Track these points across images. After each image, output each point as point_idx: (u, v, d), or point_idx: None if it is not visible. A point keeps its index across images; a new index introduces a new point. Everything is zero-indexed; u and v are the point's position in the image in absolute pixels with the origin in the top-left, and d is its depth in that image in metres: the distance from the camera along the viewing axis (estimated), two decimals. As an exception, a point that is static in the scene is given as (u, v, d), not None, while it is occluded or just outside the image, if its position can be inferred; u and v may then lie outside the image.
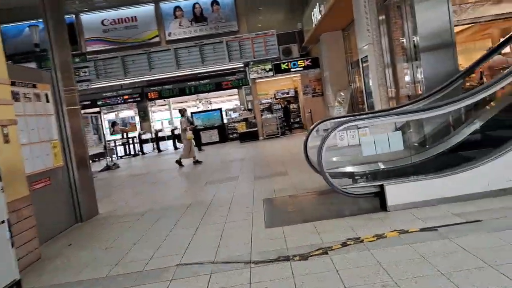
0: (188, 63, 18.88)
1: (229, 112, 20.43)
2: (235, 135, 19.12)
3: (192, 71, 19.36)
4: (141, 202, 7.05)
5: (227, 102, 25.87)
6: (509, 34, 5.87)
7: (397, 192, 4.27)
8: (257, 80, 18.98)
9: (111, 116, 23.62)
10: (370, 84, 9.85)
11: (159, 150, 19.46)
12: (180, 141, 12.32)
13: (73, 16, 20.25)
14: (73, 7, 19.86)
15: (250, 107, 19.38)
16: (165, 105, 26.62)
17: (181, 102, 25.63)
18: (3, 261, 3.28)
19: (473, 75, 7.23)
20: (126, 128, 19.35)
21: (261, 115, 18.72)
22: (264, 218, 4.73)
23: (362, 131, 5.19)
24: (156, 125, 26.03)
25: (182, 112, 12.44)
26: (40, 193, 5.13)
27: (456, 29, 7.76)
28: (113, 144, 18.93)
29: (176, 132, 19.70)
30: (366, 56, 9.53)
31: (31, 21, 16.20)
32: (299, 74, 18.78)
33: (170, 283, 3.27)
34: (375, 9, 9.22)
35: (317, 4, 13.12)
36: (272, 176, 7.70)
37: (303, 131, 19.28)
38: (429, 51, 6.41)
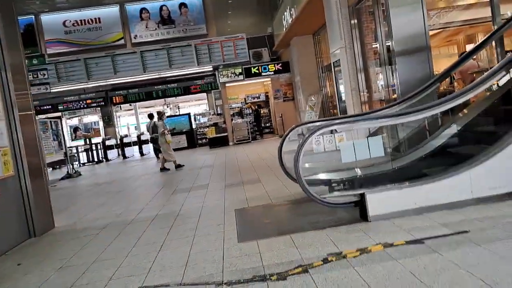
0: (155, 67, 18.32)
1: (198, 117, 19.95)
2: (204, 140, 18.67)
3: (159, 74, 18.79)
4: (103, 214, 6.53)
5: (195, 106, 25.41)
6: (483, 39, 5.77)
7: (378, 201, 4.01)
8: (227, 84, 18.62)
9: (75, 121, 22.65)
10: (342, 88, 9.68)
11: (125, 157, 18.73)
12: (157, 145, 11.80)
13: (33, 16, 19.30)
14: (32, 8, 18.90)
15: (219, 111, 18.99)
16: (131, 109, 25.83)
17: (149, 107, 24.94)
18: None
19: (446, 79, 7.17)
20: (89, 133, 18.51)
21: (231, 119, 18.35)
22: (237, 231, 4.36)
23: (338, 136, 4.96)
24: (122, 131, 25.22)
25: (160, 115, 11.93)
26: (-16, 207, 4.57)
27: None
28: (75, 151, 18.05)
29: (143, 137, 19.04)
30: (339, 60, 9.35)
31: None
32: (270, 79, 18.57)
33: (130, 311, 2.85)
34: (347, 13, 9.08)
35: (288, 7, 12.93)
36: (243, 184, 7.34)
37: (274, 135, 19.07)
38: (404, 55, 6.25)
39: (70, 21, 19.49)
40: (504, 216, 3.66)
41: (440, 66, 10.18)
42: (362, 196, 4.05)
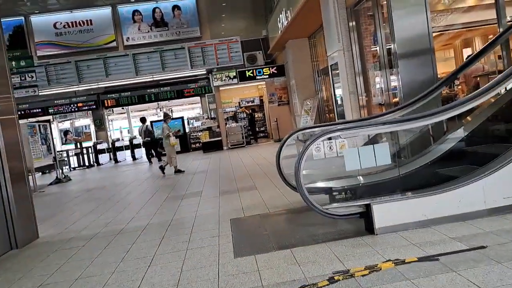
0: (147, 70, 18.02)
1: (191, 121, 19.63)
2: (198, 144, 18.33)
3: (152, 77, 18.46)
4: (90, 223, 6.19)
5: (189, 110, 25.07)
6: (490, 40, 5.54)
7: (385, 213, 3.73)
8: (221, 88, 18.33)
9: (66, 125, 22.22)
10: (340, 92, 9.43)
11: (116, 161, 18.33)
12: (162, 148, 11.47)
13: (23, 18, 18.90)
14: (22, 9, 18.52)
15: (213, 115, 18.68)
16: (123, 113, 25.43)
17: (141, 110, 24.60)
18: None
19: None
20: (79, 138, 18.10)
21: (226, 124, 18.06)
22: (233, 244, 4.06)
23: (340, 142, 4.69)
24: (114, 134, 24.80)
25: (166, 117, 11.59)
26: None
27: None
28: (65, 155, 17.64)
29: (135, 142, 18.67)
30: (336, 63, 9.11)
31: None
32: (265, 82, 18.31)
33: None
34: (345, 14, 8.84)
35: (284, 9, 12.69)
36: (239, 191, 7.03)
37: (268, 140, 18.79)
38: (406, 58, 6.00)
39: (61, 22, 19.13)
40: (521, 229, 3.40)
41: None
42: (368, 207, 3.77)
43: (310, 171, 5.50)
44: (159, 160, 15.36)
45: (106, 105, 19.36)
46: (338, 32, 8.80)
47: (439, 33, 10.72)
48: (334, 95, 9.74)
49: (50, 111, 19.35)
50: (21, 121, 15.14)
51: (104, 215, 6.68)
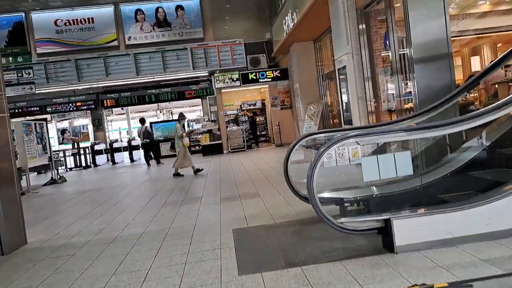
0: (148, 70, 17.69)
1: (192, 123, 19.27)
2: (197, 147, 17.95)
3: (153, 78, 18.13)
4: (83, 228, 5.82)
5: (189, 112, 24.73)
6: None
7: (407, 229, 3.38)
8: (223, 90, 17.99)
9: (65, 124, 21.85)
10: (346, 97, 9.10)
11: (114, 162, 17.95)
12: (173, 148, 11.10)
13: (23, 14, 18.59)
14: (23, 5, 18.21)
15: (214, 118, 18.32)
16: (123, 114, 25.09)
17: (141, 111, 24.28)
18: None
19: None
20: (77, 138, 17.72)
21: (226, 127, 17.70)
22: (237, 259, 3.69)
23: (353, 150, 4.35)
24: (113, 135, 24.45)
25: (181, 117, 11.25)
26: None
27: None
28: (62, 155, 17.26)
29: (134, 143, 18.31)
30: (344, 66, 8.77)
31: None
32: (267, 85, 17.97)
33: None
34: (355, 16, 8.52)
35: (290, 11, 12.36)
36: (241, 198, 6.67)
37: (270, 144, 18.44)
38: (423, 63, 5.66)
39: (62, 20, 18.81)
40: (560, 252, 3.05)
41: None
42: (387, 222, 3.41)
43: (319, 179, 5.16)
44: (158, 162, 15.03)
45: (105, 105, 18.99)
46: (347, 34, 8.47)
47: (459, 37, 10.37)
48: (341, 100, 9.40)
49: (48, 109, 18.98)
50: (17, 119, 14.79)
51: (98, 220, 6.31)
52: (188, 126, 19.33)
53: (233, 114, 19.32)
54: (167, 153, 17.94)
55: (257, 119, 19.57)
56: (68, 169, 17.32)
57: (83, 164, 17.60)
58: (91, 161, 17.82)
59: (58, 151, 18.34)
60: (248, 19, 19.87)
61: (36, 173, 15.71)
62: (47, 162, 12.69)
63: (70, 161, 17.85)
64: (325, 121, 13.37)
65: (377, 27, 8.35)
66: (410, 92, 6.81)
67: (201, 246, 4.23)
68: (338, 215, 4.45)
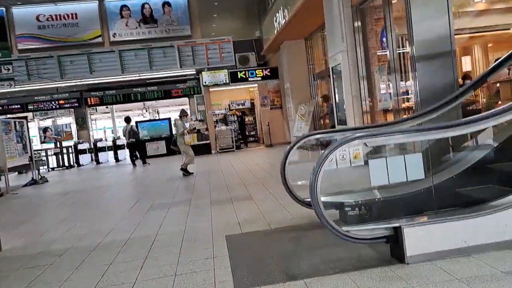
0: (134, 67, 17.22)
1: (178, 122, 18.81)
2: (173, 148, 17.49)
3: (138, 76, 17.66)
4: (63, 234, 5.42)
5: (176, 112, 24.26)
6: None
7: (418, 238, 3.10)
8: (210, 89, 17.63)
9: (48, 123, 21.18)
10: (340, 96, 8.85)
11: (98, 162, 17.44)
12: (175, 146, 10.65)
13: (3, 8, 17.91)
14: (4, 0, 17.54)
15: (201, 117, 17.92)
16: (108, 112, 24.48)
17: (127, 110, 23.65)
18: None
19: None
20: (59, 137, 17.15)
21: (215, 126, 17.33)
22: (232, 270, 3.36)
23: (354, 152, 4.07)
24: (97, 134, 23.81)
25: (183, 113, 10.87)
26: None
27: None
28: (43, 154, 16.69)
29: (119, 142, 17.81)
30: (339, 64, 8.52)
31: None
32: (257, 85, 17.66)
33: None
34: (350, 13, 8.27)
35: (281, 8, 12.08)
36: (232, 201, 6.34)
37: (259, 145, 18.13)
38: (426, 60, 5.41)
39: (44, 15, 18.21)
40: None
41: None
42: (397, 230, 3.12)
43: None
44: (144, 162, 14.59)
45: (89, 103, 18.44)
46: (342, 31, 8.22)
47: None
48: (335, 99, 9.15)
49: (29, 107, 18.36)
50: (-4, 117, 14.15)
51: (80, 224, 5.92)
52: (175, 125, 18.89)
53: (222, 114, 18.94)
54: (153, 153, 17.53)
55: (246, 119, 19.23)
56: (50, 169, 16.76)
57: (66, 164, 17.05)
58: (74, 160, 17.28)
59: (40, 150, 17.75)
60: (236, 16, 19.54)
61: (16, 173, 15.11)
62: (28, 162, 12.16)
63: (52, 161, 17.27)
64: (316, 121, 13.13)
65: (372, 23, 8.13)
66: (407, 91, 6.58)
67: (192, 255, 3.89)
68: (338, 219, 4.17)
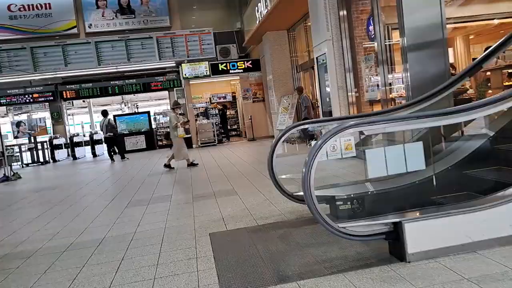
0: (111, 59, 16.63)
1: (158, 117, 18.35)
2: (164, 142, 17.08)
3: (116, 68, 17.06)
4: (33, 233, 5.03)
5: (156, 106, 23.72)
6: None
7: (420, 233, 2.86)
8: (191, 82, 17.19)
9: (23, 118, 20.36)
10: (325, 87, 8.61)
11: (75, 158, 16.84)
12: (167, 139, 10.13)
13: (-28, -2, 17.06)
14: (-28, -11, 16.70)
15: (182, 111, 17.46)
16: (85, 107, 23.78)
17: (105, 105, 23.00)
18: None
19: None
20: (33, 131, 16.47)
21: (196, 120, 16.92)
22: (217, 272, 3.07)
23: (345, 142, 3.83)
24: (74, 129, 23.10)
25: (175, 105, 10.28)
26: None
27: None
28: (17, 150, 16.00)
29: (96, 137, 17.22)
30: (324, 54, 8.27)
31: None
32: (238, 77, 17.29)
33: None
34: (335, 2, 8.01)
35: (263, -3, 11.76)
36: (216, 196, 6.02)
37: (241, 139, 17.81)
38: (417, 50, 5.19)
39: (16, 5, 17.39)
40: None
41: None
42: (396, 225, 2.88)
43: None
44: (122, 158, 14.10)
45: (65, 96, 17.76)
46: (327, 19, 7.96)
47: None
48: (320, 90, 8.91)
49: (2, 101, 17.60)
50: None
51: (52, 223, 5.52)
52: (155, 120, 18.41)
53: (203, 107, 18.52)
54: (133, 148, 17.03)
55: (228, 113, 18.86)
56: (24, 165, 16.09)
57: (41, 160, 16.38)
58: (49, 156, 16.63)
59: (13, 145, 17.03)
60: (217, 7, 19.12)
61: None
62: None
63: (27, 157, 16.58)
64: (299, 114, 12.88)
65: (358, 12, 7.89)
66: (396, 81, 6.38)
67: (173, 256, 3.57)
68: (328, 214, 3.93)
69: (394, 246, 2.96)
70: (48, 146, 16.65)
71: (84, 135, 19.07)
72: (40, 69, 16.58)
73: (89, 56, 16.51)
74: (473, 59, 11.48)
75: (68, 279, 3.29)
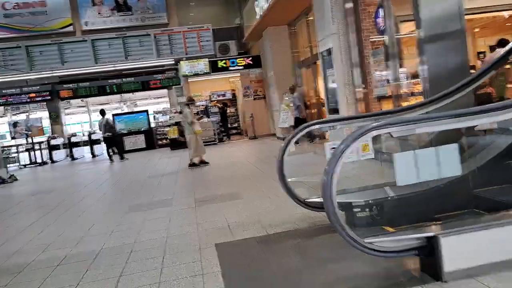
0: (108, 57, 16.30)
1: (157, 115, 17.97)
2: (164, 141, 16.73)
3: (113, 67, 16.70)
4: (26, 243, 4.69)
5: (155, 104, 23.32)
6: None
7: (459, 249, 2.52)
8: (190, 80, 16.82)
9: (21, 118, 20.02)
10: (331, 83, 8.26)
11: (73, 158, 16.49)
12: (182, 136, 9.79)
13: (-33, -3, 16.68)
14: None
15: (180, 109, 17.10)
16: (83, 106, 23.39)
17: (103, 104, 22.57)
18: None
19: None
20: (30, 132, 16.12)
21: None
22: (226, 293, 2.73)
23: (363, 143, 3.55)
24: (73, 129, 22.71)
25: (190, 101, 9.99)
26: None
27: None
28: (14, 150, 15.66)
29: (95, 137, 16.88)
30: (329, 49, 7.91)
31: None
32: (239, 74, 16.91)
33: None
34: (341, -7, 7.65)
35: (264, -9, 11.38)
36: (220, 200, 5.68)
37: (242, 137, 17.45)
38: (434, 42, 4.81)
39: (11, 3, 17.08)
40: None
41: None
42: (431, 240, 2.54)
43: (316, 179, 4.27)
44: (121, 158, 13.74)
45: (62, 96, 17.39)
46: (332, 13, 7.60)
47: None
48: (325, 86, 8.55)
49: (-2, 101, 17.28)
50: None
51: (46, 231, 5.19)
52: (154, 118, 18.05)
53: (202, 105, 18.14)
54: (132, 147, 16.67)
55: (228, 111, 18.48)
56: (22, 166, 15.74)
57: (39, 161, 16.02)
58: (48, 157, 16.26)
59: (10, 146, 16.70)
60: (215, 3, 18.77)
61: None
62: (-6, 160, 11.24)
63: (24, 158, 16.23)
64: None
65: (366, 3, 7.53)
66: (409, 75, 6.02)
67: (176, 271, 3.24)
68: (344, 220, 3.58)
69: (426, 263, 2.63)
70: (46, 147, 16.29)
71: (83, 135, 18.73)
72: (36, 68, 16.25)
73: (86, 54, 16.18)
74: (478, 53, 11.13)
75: (60, 301, 2.96)
